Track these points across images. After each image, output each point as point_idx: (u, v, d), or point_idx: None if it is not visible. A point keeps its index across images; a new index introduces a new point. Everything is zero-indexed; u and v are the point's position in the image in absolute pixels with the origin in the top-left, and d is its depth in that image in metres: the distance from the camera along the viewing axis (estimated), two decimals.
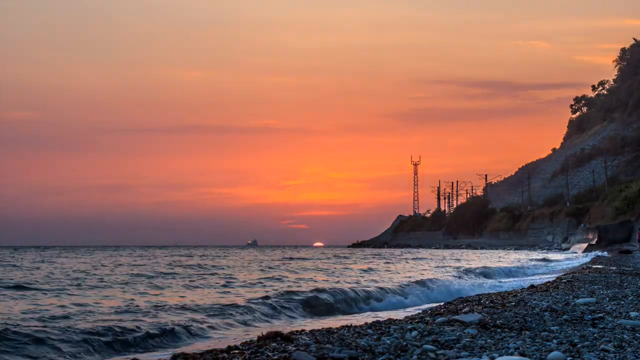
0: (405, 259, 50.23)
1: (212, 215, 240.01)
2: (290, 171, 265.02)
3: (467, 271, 28.53)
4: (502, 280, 24.18)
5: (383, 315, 12.90)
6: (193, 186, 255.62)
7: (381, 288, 18.65)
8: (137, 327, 10.76)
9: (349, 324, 9.67)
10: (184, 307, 13.63)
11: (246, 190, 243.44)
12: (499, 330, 8.36)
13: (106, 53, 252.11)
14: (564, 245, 79.46)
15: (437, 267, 35.30)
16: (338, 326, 9.60)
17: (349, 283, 21.23)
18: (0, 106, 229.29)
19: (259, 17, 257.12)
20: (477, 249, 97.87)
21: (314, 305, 15.34)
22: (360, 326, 9.20)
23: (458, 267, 32.92)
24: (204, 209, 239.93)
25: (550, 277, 21.77)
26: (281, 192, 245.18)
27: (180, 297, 16.68)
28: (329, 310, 15.33)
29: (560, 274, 22.88)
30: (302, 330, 9.09)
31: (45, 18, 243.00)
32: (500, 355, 6.75)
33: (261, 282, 21.86)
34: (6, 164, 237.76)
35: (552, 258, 49.54)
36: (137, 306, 13.96)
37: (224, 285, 20.55)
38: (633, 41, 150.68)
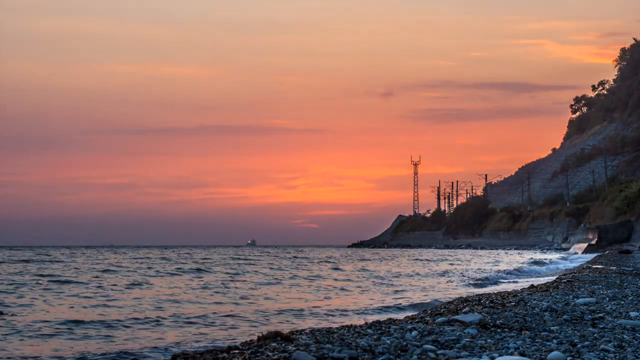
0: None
1: (219, 215, 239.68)
2: (297, 171, 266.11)
3: None
4: None
5: None
6: (202, 186, 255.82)
7: None
8: None
9: (349, 324, 9.66)
10: None
11: (252, 190, 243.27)
12: (499, 330, 8.35)
13: (114, 53, 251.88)
14: (564, 245, 79.39)
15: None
16: (338, 326, 9.59)
17: None
18: (0, 105, 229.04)
19: (267, 18, 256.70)
20: (477, 248, 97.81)
21: None
22: (360, 326, 9.18)
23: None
24: (212, 208, 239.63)
25: None
26: (288, 192, 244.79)
27: None
28: None
29: (561, 275, 22.81)
30: (302, 330, 9.09)
31: (46, 17, 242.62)
32: (500, 355, 6.75)
33: None
34: (6, 162, 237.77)
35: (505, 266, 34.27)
36: None
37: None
38: (633, 41, 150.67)
